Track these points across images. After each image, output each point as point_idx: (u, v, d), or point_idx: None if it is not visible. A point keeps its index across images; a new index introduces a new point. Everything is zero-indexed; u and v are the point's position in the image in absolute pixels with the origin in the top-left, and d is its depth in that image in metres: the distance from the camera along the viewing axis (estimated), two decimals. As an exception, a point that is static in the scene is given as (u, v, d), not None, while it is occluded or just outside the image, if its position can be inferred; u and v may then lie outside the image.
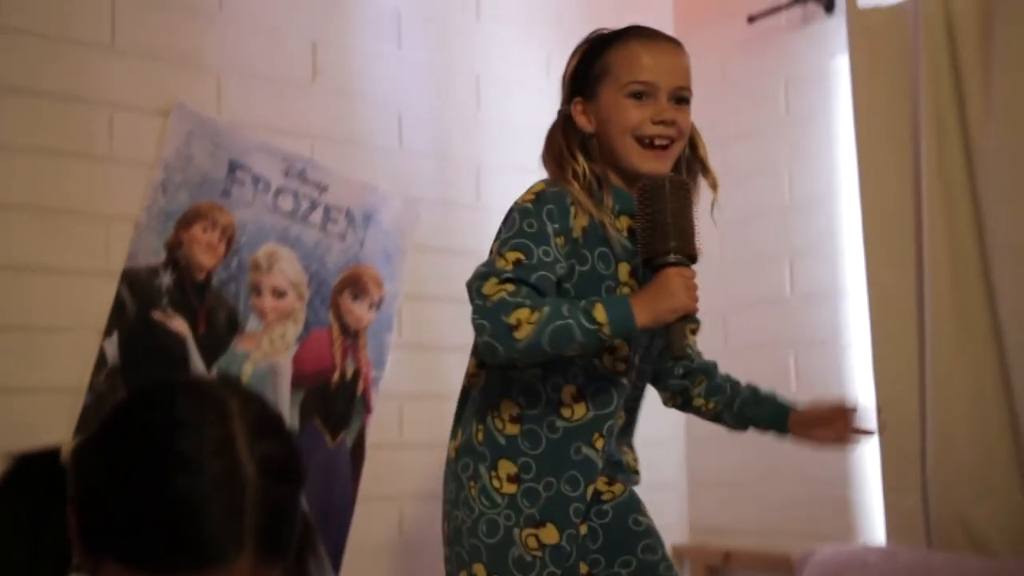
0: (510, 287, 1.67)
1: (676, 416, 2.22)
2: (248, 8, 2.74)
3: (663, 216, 1.68)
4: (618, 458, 1.90)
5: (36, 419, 2.35)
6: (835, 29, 3.05)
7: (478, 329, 1.68)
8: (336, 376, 2.78)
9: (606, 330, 1.65)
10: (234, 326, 2.63)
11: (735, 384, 2.06)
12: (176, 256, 2.55)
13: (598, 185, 1.82)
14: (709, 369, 2.06)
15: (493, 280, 1.68)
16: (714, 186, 1.90)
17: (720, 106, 3.38)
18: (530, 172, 3.08)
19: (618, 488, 1.89)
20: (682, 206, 1.70)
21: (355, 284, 2.83)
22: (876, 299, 2.82)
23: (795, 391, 3.12)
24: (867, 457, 2.91)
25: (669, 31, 3.48)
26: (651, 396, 2.05)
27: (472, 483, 1.80)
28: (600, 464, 1.80)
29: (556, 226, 1.75)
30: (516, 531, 1.76)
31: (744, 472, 3.18)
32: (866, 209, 2.84)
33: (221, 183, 2.63)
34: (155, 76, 2.57)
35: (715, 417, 2.06)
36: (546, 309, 1.64)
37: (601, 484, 1.86)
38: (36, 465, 1.18)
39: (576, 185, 1.79)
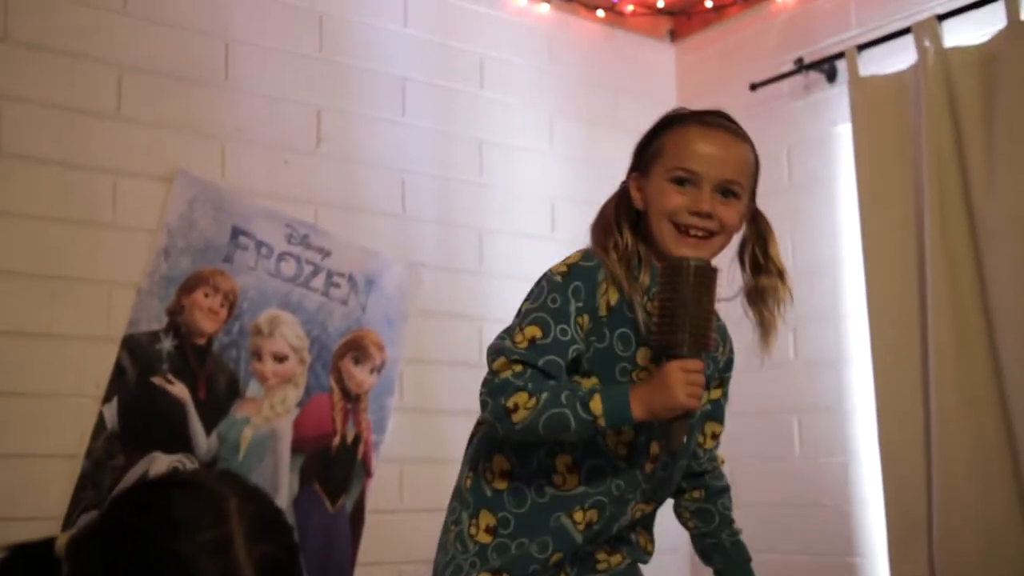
0: (518, 367, 1.67)
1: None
2: (253, 76, 2.78)
3: (680, 304, 1.64)
4: (627, 536, 1.86)
5: (34, 485, 2.35)
6: (837, 97, 3.08)
7: (482, 405, 1.69)
8: (337, 440, 2.77)
9: (601, 421, 1.64)
10: (235, 391, 2.63)
11: (724, 521, 1.96)
12: (177, 321, 2.56)
13: (638, 261, 1.78)
14: (712, 490, 1.97)
15: (503, 359, 1.68)
16: (785, 285, 1.86)
17: (723, 172, 3.40)
18: (532, 238, 3.15)
19: (616, 559, 1.85)
20: (702, 295, 1.65)
21: (357, 348, 2.83)
22: (880, 365, 2.81)
23: (799, 456, 3.11)
24: (873, 525, 2.88)
25: (671, 98, 3.60)
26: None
27: (453, 527, 1.81)
28: (578, 539, 1.76)
29: (580, 304, 1.72)
30: (473, 573, 1.75)
31: (748, 539, 3.13)
32: (870, 276, 2.84)
33: (224, 249, 2.65)
34: (160, 143, 2.61)
35: (689, 532, 2.01)
36: (545, 396, 1.64)
37: (601, 555, 1.83)
38: (31, 556, 1.16)
39: (614, 257, 1.75)
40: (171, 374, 2.54)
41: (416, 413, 2.90)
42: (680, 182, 1.74)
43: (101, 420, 2.44)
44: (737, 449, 3.21)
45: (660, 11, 3.53)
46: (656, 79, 3.58)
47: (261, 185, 2.75)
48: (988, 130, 2.68)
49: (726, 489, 1.99)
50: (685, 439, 1.70)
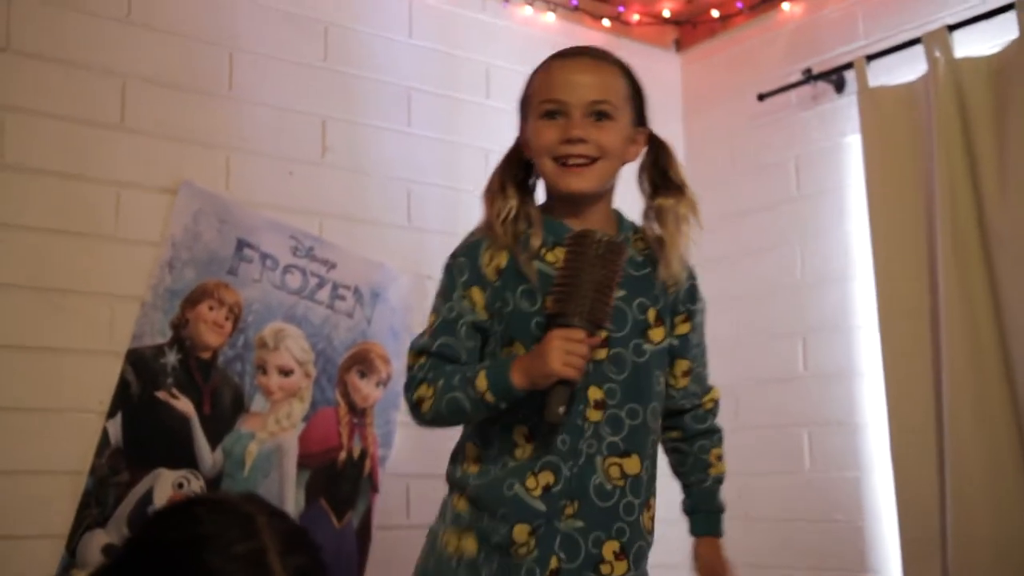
0: (421, 359, 1.75)
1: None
2: (258, 86, 2.74)
3: (576, 275, 1.64)
4: (636, 517, 1.78)
5: (36, 502, 2.31)
6: (845, 107, 3.05)
7: (405, 401, 1.79)
8: (343, 455, 2.73)
9: (488, 396, 1.67)
10: (240, 405, 2.59)
11: (697, 465, 1.91)
12: (182, 335, 2.52)
13: (528, 223, 1.79)
14: (689, 431, 1.91)
15: (411, 353, 1.78)
16: (692, 207, 1.83)
17: (729, 183, 3.38)
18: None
19: (621, 568, 1.76)
20: (602, 268, 1.64)
21: (363, 361, 2.79)
22: (892, 378, 2.78)
23: (809, 470, 3.07)
24: (887, 540, 2.84)
25: (678, 108, 3.57)
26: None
27: (441, 513, 1.84)
28: (538, 506, 1.72)
29: (465, 278, 1.77)
30: (440, 531, 1.80)
31: (757, 554, 3.11)
32: (880, 287, 2.81)
33: (228, 261, 2.61)
34: (164, 154, 2.57)
35: (669, 466, 1.96)
36: (440, 383, 1.71)
37: (607, 551, 1.75)
38: None
39: (497, 222, 1.78)
40: (176, 388, 2.50)
41: (422, 427, 2.86)
42: (550, 115, 1.76)
43: (105, 436, 2.39)
44: (746, 464, 3.20)
45: (666, 21, 3.51)
46: (661, 89, 3.54)
47: (266, 196, 2.71)
48: (1000, 140, 2.65)
49: (707, 432, 1.92)
50: (562, 410, 1.66)
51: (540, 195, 1.91)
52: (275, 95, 2.77)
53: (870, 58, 2.93)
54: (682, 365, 1.89)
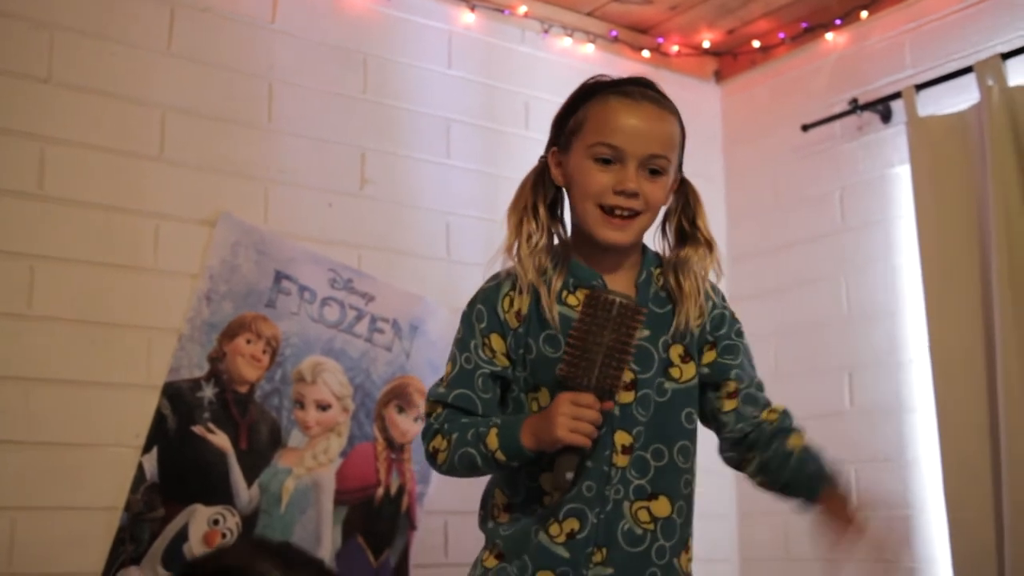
0: (438, 409, 1.73)
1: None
2: (297, 118, 2.72)
3: (587, 340, 1.57)
4: (667, 560, 1.70)
5: (70, 539, 2.27)
6: (892, 137, 3.00)
7: (424, 447, 1.76)
8: (380, 492, 2.68)
9: (499, 455, 1.64)
10: (277, 440, 2.55)
11: (777, 455, 1.74)
12: (218, 369, 2.49)
13: (553, 259, 1.71)
14: (761, 443, 1.76)
15: (428, 402, 1.76)
16: (713, 255, 1.75)
17: (772, 215, 3.33)
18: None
19: None
20: (613, 334, 1.56)
21: (401, 396, 2.75)
22: (945, 414, 2.70)
23: (856, 509, 2.99)
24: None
25: (717, 140, 3.52)
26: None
27: (472, 567, 1.78)
28: (562, 552, 1.66)
29: (483, 325, 1.72)
30: None
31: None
32: (932, 321, 2.74)
33: (266, 294, 2.58)
34: (203, 186, 2.55)
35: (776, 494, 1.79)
36: (454, 436, 1.68)
37: None
38: None
39: (525, 251, 1.70)
40: (212, 423, 2.47)
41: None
42: (603, 160, 1.67)
43: (141, 471, 2.36)
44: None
45: (705, 51, 3.47)
46: (701, 120, 3.51)
47: (304, 228, 2.68)
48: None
49: (777, 432, 1.75)
50: (570, 476, 1.60)
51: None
52: (314, 127, 2.75)
53: (919, 87, 2.87)
54: (727, 387, 1.78)
